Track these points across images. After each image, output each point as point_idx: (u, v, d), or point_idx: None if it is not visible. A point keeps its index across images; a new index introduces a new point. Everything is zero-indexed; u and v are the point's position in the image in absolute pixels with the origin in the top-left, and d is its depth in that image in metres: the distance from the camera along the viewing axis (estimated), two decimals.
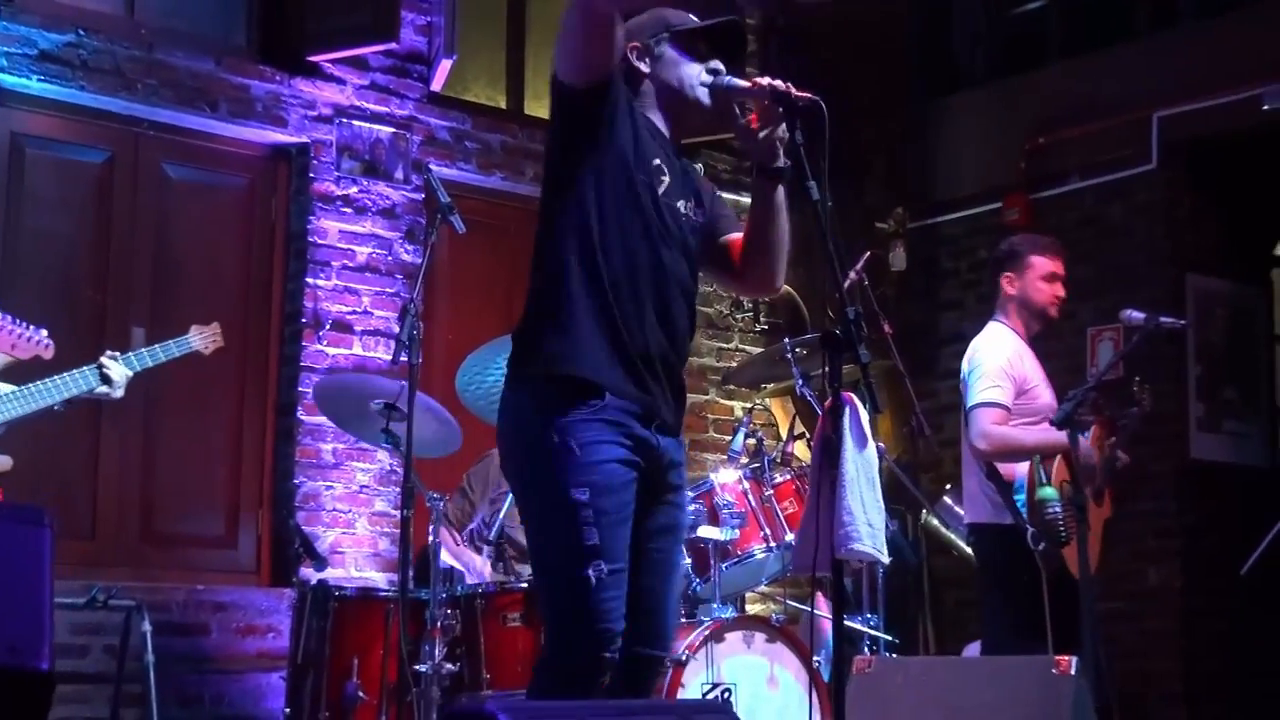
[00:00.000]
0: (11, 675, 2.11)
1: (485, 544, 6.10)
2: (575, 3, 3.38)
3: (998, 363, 5.60)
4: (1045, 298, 5.66)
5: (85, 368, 4.93)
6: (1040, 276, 5.65)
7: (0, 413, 4.79)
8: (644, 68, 3.74)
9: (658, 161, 3.70)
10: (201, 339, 5.44)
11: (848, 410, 4.21)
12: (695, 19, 3.79)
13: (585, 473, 3.62)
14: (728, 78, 3.59)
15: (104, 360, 4.90)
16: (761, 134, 3.57)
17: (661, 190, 3.70)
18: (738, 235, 3.85)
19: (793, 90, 3.47)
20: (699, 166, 7.41)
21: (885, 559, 4.36)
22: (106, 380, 4.89)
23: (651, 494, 3.81)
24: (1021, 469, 5.57)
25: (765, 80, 3.56)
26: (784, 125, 3.51)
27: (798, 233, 3.95)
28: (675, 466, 3.88)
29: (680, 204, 3.76)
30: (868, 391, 3.54)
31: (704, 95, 3.77)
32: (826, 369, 3.74)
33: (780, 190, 3.70)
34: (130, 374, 5.02)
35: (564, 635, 3.73)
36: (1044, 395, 5.61)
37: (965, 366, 5.71)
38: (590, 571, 3.59)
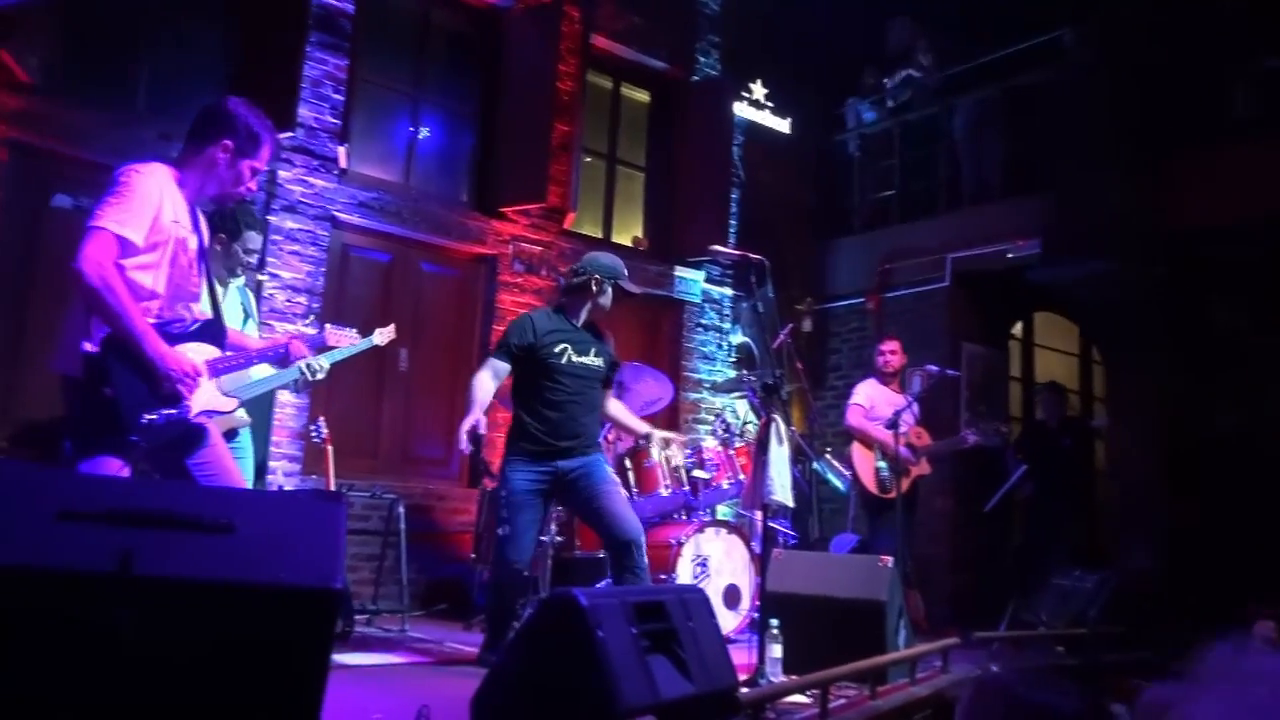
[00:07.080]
0: (318, 592, 2.29)
1: None
2: None
3: (863, 391, 7.56)
4: (881, 361, 7.72)
5: (296, 363, 4.64)
6: (879, 353, 7.75)
7: (263, 385, 4.74)
8: (597, 293, 4.69)
9: (564, 345, 4.68)
10: (381, 335, 5.33)
11: (773, 424, 4.87)
12: (626, 273, 4.75)
13: (504, 487, 4.89)
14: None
15: (309, 360, 4.64)
16: None
17: (565, 360, 4.68)
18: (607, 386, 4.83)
19: (750, 256, 4.51)
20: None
21: (790, 503, 5.12)
22: (311, 370, 4.65)
23: (569, 486, 4.91)
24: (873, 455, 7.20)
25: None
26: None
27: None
28: (583, 469, 4.86)
29: (582, 359, 4.76)
30: (782, 415, 4.45)
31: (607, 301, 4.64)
32: (760, 403, 4.84)
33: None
34: (329, 365, 4.72)
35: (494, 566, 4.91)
36: (885, 413, 7.24)
37: (850, 395, 7.56)
38: (499, 531, 4.82)
